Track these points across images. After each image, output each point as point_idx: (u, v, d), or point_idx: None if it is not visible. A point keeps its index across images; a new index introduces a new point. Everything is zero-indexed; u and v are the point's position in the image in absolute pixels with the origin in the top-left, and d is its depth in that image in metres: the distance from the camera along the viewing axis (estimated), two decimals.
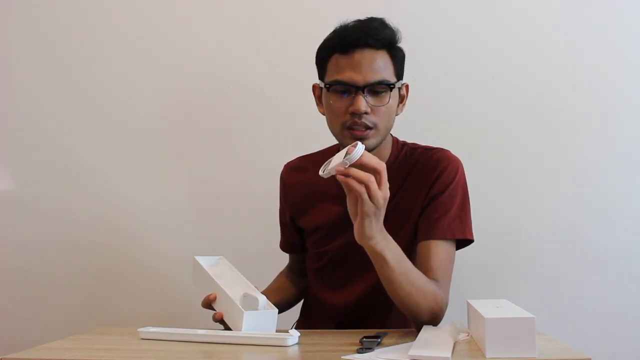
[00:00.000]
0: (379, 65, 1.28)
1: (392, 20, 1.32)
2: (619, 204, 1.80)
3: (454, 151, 1.41)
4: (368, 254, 1.14)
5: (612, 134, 1.81)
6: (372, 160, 1.06)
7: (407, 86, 1.37)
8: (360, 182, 1.04)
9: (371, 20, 1.30)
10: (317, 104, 1.39)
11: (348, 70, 1.27)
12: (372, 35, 1.27)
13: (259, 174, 1.85)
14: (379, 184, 1.06)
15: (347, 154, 1.05)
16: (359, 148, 1.05)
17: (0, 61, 1.96)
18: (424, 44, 1.79)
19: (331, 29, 1.33)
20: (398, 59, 1.32)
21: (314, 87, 1.39)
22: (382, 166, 1.07)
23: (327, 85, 1.30)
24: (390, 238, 1.16)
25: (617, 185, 1.80)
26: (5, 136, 1.95)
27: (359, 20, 1.31)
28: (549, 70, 1.82)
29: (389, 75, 1.29)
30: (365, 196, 1.05)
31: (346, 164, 1.04)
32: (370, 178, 1.04)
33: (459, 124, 1.82)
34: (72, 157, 1.92)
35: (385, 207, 1.08)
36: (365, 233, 1.09)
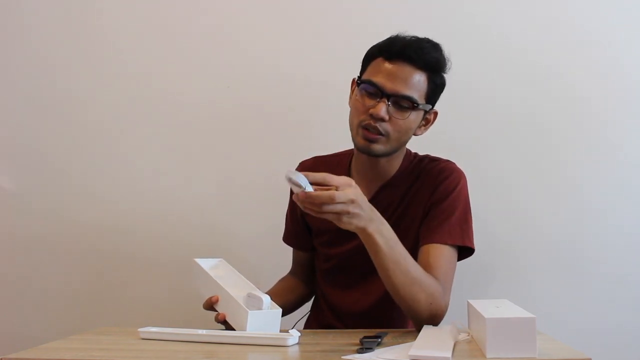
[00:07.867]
0: (413, 83, 1.30)
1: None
2: (618, 205, 1.80)
3: (457, 149, 1.41)
4: (361, 239, 1.17)
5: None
6: (311, 175, 1.07)
7: (435, 113, 1.39)
8: (321, 208, 1.06)
9: (425, 41, 1.33)
10: (350, 97, 1.41)
11: (383, 76, 1.30)
12: (419, 53, 1.30)
13: (260, 176, 1.86)
14: (329, 188, 1.07)
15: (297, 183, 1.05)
16: (298, 175, 1.05)
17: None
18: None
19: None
20: (436, 85, 1.34)
21: (353, 80, 1.40)
22: (321, 175, 1.08)
23: (359, 82, 1.34)
24: (386, 223, 1.18)
25: (618, 186, 1.80)
26: (7, 135, 1.95)
27: (415, 36, 1.34)
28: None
29: (418, 95, 1.31)
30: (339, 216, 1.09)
31: (305, 189, 1.05)
32: (323, 205, 1.06)
33: (460, 130, 1.80)
34: (73, 157, 1.92)
35: (355, 198, 1.08)
36: (357, 224, 1.12)
